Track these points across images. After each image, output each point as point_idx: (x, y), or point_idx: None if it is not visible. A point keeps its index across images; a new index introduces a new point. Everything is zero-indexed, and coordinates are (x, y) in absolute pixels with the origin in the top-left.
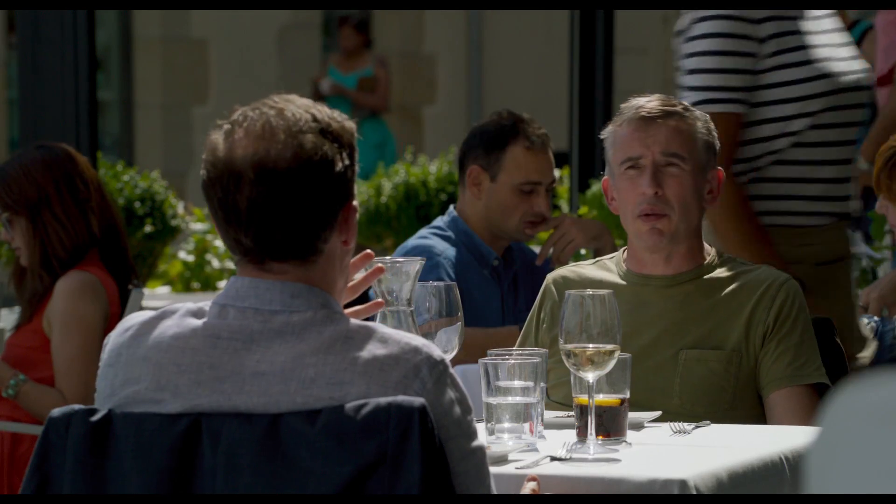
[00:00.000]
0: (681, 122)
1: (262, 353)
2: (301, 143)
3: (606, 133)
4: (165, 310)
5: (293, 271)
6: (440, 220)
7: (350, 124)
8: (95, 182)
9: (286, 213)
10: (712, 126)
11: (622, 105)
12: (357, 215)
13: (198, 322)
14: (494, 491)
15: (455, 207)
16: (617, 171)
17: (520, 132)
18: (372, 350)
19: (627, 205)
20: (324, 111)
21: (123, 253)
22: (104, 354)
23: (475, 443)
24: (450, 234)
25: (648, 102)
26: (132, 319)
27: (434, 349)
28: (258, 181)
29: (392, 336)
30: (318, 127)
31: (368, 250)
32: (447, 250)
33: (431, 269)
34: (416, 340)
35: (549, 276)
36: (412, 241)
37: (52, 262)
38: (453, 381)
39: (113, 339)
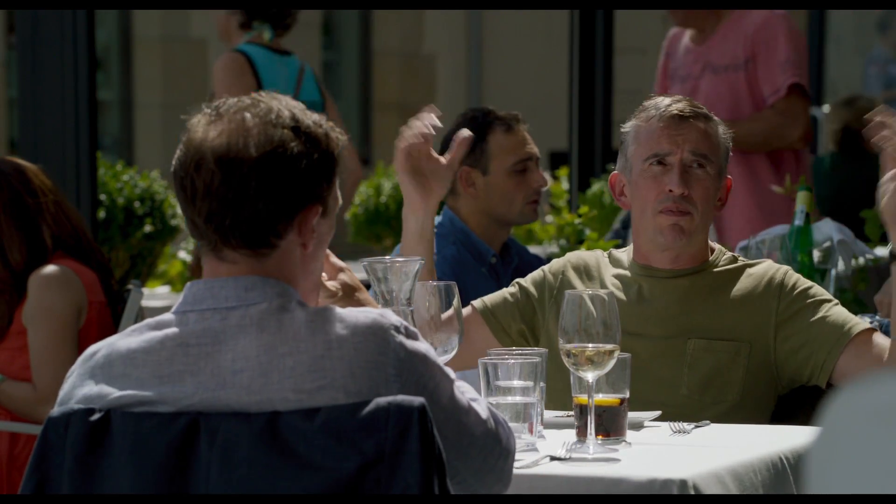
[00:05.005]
0: (708, 126)
1: (233, 352)
2: (269, 135)
3: (629, 127)
4: (119, 334)
5: (245, 262)
6: (436, 219)
7: (336, 135)
8: (46, 190)
9: (237, 199)
10: (729, 134)
11: (646, 102)
12: (325, 223)
13: (162, 333)
14: (481, 409)
15: (448, 206)
16: (639, 166)
17: (493, 119)
18: (338, 331)
19: (648, 201)
20: (310, 116)
21: (92, 253)
22: (69, 382)
23: (452, 375)
24: (446, 232)
25: (677, 102)
26: (92, 348)
27: (390, 315)
28: (216, 165)
29: (348, 315)
30: (293, 125)
31: (466, 132)
32: (444, 249)
33: None
34: (372, 313)
35: (570, 255)
36: None
37: (14, 270)
38: (415, 335)
39: (78, 366)
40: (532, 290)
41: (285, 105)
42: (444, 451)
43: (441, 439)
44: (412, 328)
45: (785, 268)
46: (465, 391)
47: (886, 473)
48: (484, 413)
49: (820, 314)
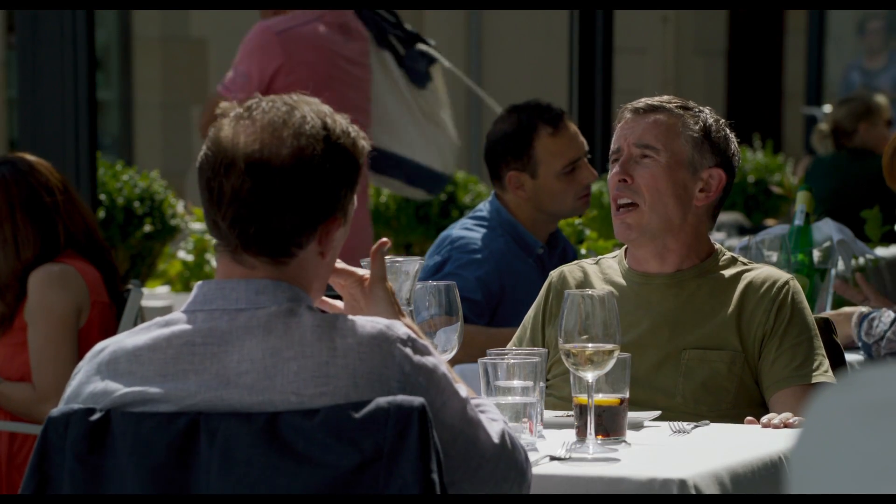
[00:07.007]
0: (663, 116)
1: (239, 353)
2: (301, 147)
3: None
4: (128, 332)
5: (263, 268)
6: (483, 210)
7: (363, 143)
8: (61, 187)
9: (265, 209)
10: (717, 127)
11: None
12: (343, 230)
13: (168, 331)
14: (495, 431)
15: (496, 196)
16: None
17: (538, 122)
18: (344, 339)
19: (612, 199)
20: (339, 122)
21: (102, 252)
22: (76, 379)
23: (462, 393)
24: (494, 224)
25: (639, 102)
26: (100, 344)
27: (398, 327)
28: (247, 172)
29: (356, 324)
30: (324, 135)
31: (384, 238)
32: (493, 242)
33: (478, 264)
34: (380, 323)
35: (553, 273)
36: (456, 232)
37: (24, 265)
38: (424, 349)
39: (86, 362)
40: (529, 326)
41: (316, 112)
42: (451, 472)
43: (447, 459)
44: (421, 341)
45: (785, 279)
46: (484, 409)
47: (870, 471)
48: (497, 436)
49: (792, 342)
